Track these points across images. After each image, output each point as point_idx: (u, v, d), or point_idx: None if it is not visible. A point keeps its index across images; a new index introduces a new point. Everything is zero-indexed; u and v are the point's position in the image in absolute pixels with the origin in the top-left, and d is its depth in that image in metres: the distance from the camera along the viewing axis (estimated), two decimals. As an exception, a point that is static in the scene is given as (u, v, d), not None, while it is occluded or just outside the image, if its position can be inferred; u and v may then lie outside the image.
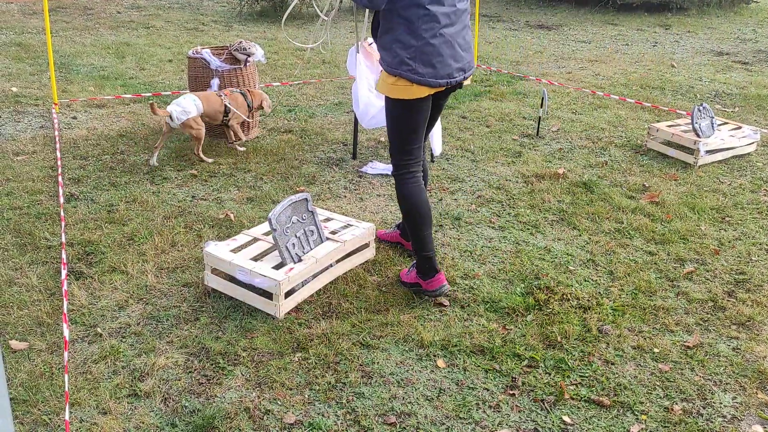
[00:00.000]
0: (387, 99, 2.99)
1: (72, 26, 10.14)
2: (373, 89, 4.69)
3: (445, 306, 3.12)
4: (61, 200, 4.02)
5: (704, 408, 2.52)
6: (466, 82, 3.01)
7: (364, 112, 4.66)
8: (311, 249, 3.22)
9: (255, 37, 9.79)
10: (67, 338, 2.71)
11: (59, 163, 4.58)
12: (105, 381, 2.58)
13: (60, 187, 4.17)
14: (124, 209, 4.01)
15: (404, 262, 3.49)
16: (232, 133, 5.01)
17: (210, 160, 4.79)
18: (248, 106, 4.97)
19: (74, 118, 5.70)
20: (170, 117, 4.55)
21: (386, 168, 4.72)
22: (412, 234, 3.11)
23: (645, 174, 4.76)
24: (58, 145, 4.90)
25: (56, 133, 5.18)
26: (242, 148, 5.00)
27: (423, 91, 2.88)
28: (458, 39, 2.89)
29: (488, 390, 2.59)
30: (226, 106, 4.78)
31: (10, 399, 2.47)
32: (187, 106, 4.58)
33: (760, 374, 2.70)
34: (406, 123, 3.00)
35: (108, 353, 2.73)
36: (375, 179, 4.62)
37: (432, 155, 5.00)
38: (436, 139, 4.87)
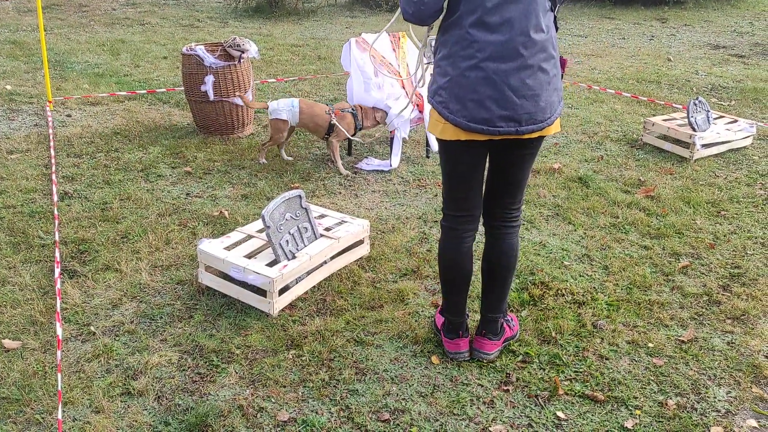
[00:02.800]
0: None
1: (66, 23, 10.10)
2: (370, 84, 4.69)
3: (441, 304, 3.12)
4: (55, 198, 4.00)
5: (698, 402, 2.52)
6: (548, 132, 2.41)
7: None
8: (305, 246, 3.21)
9: (250, 33, 9.77)
10: (60, 337, 2.70)
11: (53, 161, 4.56)
12: (98, 379, 2.58)
13: (54, 185, 4.15)
14: (118, 207, 4.00)
15: (398, 259, 3.49)
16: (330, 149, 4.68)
17: (264, 161, 4.68)
18: (356, 126, 4.62)
19: (68, 115, 5.68)
20: (268, 110, 4.53)
21: (381, 164, 4.71)
22: (443, 292, 2.72)
23: (641, 168, 4.75)
24: (52, 143, 4.88)
25: (50, 131, 5.16)
26: (346, 172, 4.61)
27: (455, 133, 2.38)
28: (511, 79, 2.26)
29: (482, 386, 2.59)
30: (330, 124, 4.54)
31: (3, 398, 2.46)
32: (282, 108, 4.48)
33: (754, 368, 2.70)
34: (446, 167, 2.52)
35: (101, 352, 2.72)
36: (370, 175, 4.61)
37: (428, 151, 4.99)
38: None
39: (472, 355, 2.74)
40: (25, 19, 10.26)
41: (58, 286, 3.10)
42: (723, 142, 5.01)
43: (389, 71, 4.69)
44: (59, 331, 2.73)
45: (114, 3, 12.14)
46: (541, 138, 2.45)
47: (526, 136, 2.37)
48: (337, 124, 4.51)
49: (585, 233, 3.80)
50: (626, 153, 5.05)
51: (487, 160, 2.53)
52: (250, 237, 3.32)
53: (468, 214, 2.57)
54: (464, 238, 2.60)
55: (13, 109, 5.82)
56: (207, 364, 2.68)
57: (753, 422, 2.42)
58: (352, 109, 4.63)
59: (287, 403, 2.48)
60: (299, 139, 5.23)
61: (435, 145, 4.88)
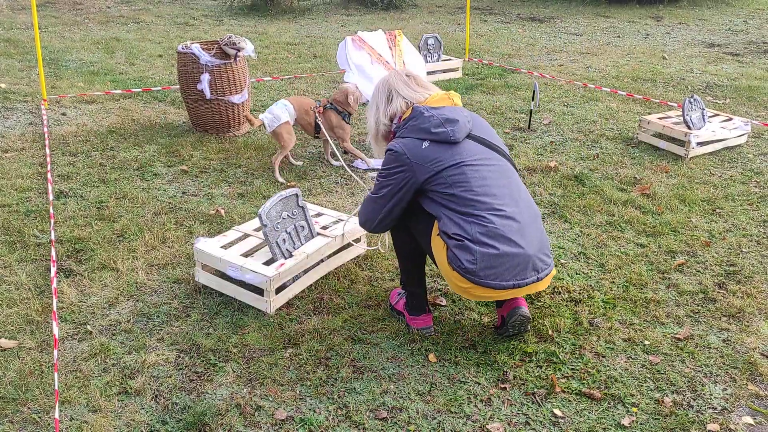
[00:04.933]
0: None
1: (61, 21, 10.06)
2: (366, 80, 4.69)
3: (440, 305, 3.12)
4: (51, 197, 3.99)
5: (694, 400, 2.53)
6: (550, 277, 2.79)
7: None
8: (302, 244, 3.21)
9: (246, 31, 9.75)
10: (56, 336, 2.70)
11: (48, 159, 4.55)
12: (95, 379, 2.57)
13: (49, 184, 4.14)
14: (114, 206, 3.99)
15: (395, 257, 3.48)
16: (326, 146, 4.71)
17: (282, 180, 4.42)
18: (344, 117, 4.57)
19: (63, 114, 5.66)
20: (264, 125, 4.39)
21: (378, 162, 4.71)
22: (401, 268, 2.92)
23: (636, 166, 4.77)
24: (47, 142, 4.87)
25: (45, 129, 5.15)
26: (337, 162, 4.68)
27: (483, 293, 2.63)
28: (525, 236, 2.62)
29: (479, 384, 2.59)
30: (317, 122, 4.52)
31: (0, 398, 2.46)
32: (278, 113, 4.39)
33: (750, 365, 2.71)
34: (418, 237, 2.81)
35: (98, 351, 2.72)
36: (366, 174, 4.60)
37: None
38: None
39: (516, 313, 2.75)
40: (19, 16, 10.22)
41: (54, 285, 3.09)
42: (718, 140, 5.03)
43: (385, 68, 4.70)
44: (56, 330, 2.72)
45: (109, 1, 12.10)
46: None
47: (542, 282, 2.65)
48: (319, 123, 4.49)
49: (581, 231, 3.81)
50: (622, 151, 5.06)
51: None
52: (246, 236, 3.32)
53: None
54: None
55: (8, 107, 5.80)
56: (204, 362, 2.68)
57: (749, 419, 2.44)
58: (330, 104, 4.57)
59: (285, 401, 2.48)
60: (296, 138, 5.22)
61: None
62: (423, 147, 2.61)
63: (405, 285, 2.92)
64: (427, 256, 2.82)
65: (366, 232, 2.97)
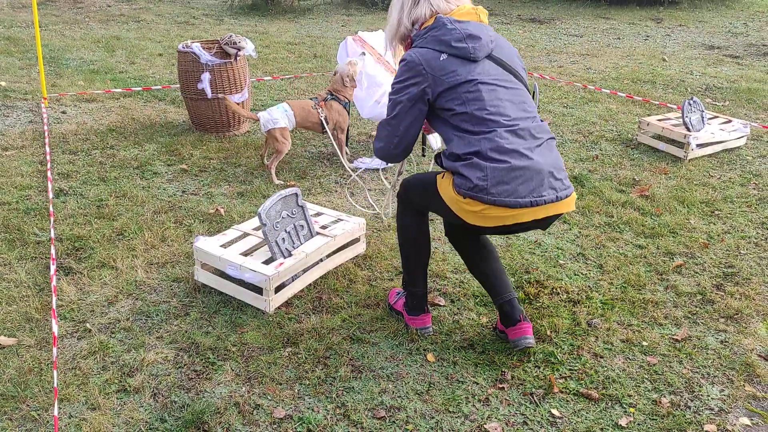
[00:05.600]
0: None
1: (61, 20, 10.07)
2: (374, 80, 4.69)
3: (438, 304, 3.12)
4: (50, 195, 3.99)
5: (692, 401, 2.53)
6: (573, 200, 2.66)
7: (361, 105, 4.69)
8: (301, 244, 3.21)
9: (246, 30, 9.75)
10: (56, 334, 2.70)
11: (48, 158, 4.55)
12: (94, 376, 2.58)
13: (49, 182, 4.14)
14: (114, 204, 3.99)
15: (395, 256, 3.50)
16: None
17: (279, 181, 4.39)
18: (345, 106, 4.57)
19: (63, 112, 5.66)
20: (260, 123, 4.39)
21: (377, 162, 4.72)
22: (404, 267, 2.89)
23: (635, 168, 4.77)
24: (47, 140, 4.87)
25: (45, 127, 5.15)
26: (350, 165, 4.65)
27: (498, 215, 2.51)
28: (537, 155, 2.51)
29: (478, 384, 2.60)
30: (323, 117, 4.50)
31: (-1, 395, 2.46)
32: (277, 116, 4.37)
33: (747, 367, 2.72)
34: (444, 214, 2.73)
35: (97, 349, 2.72)
36: (366, 174, 4.61)
37: (424, 150, 5.00)
38: (432, 133, 4.85)
39: (519, 344, 2.70)
40: (19, 15, 10.22)
41: (54, 283, 3.10)
42: (717, 142, 5.04)
43: (386, 69, 4.70)
44: (55, 328, 2.72)
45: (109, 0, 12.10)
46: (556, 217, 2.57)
47: (563, 202, 2.50)
48: (322, 119, 4.48)
49: (580, 232, 3.81)
50: (621, 152, 5.07)
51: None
52: (246, 235, 3.33)
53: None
54: (425, 214, 2.82)
55: (8, 105, 5.80)
56: (203, 361, 2.69)
57: (746, 420, 2.44)
58: (330, 94, 4.58)
59: (283, 400, 2.49)
60: (295, 138, 5.23)
61: (434, 144, 4.89)
62: (440, 59, 2.49)
63: (406, 285, 2.91)
64: (427, 250, 2.82)
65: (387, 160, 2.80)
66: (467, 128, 2.47)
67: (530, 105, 2.59)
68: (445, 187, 2.54)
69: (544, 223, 2.55)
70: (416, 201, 2.76)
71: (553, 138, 2.60)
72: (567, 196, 2.51)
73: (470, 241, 2.81)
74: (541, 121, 2.59)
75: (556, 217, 2.55)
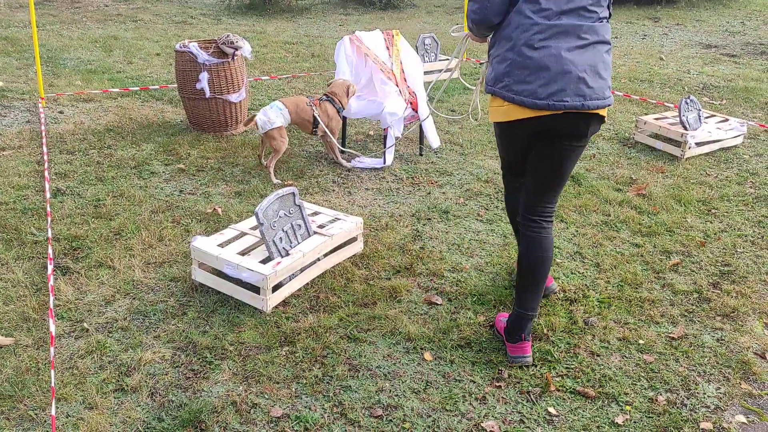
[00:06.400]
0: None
1: (59, 19, 10.06)
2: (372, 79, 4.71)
3: (435, 303, 3.13)
4: (48, 195, 3.99)
5: (688, 399, 2.54)
6: (604, 112, 2.46)
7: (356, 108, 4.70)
8: (298, 243, 3.22)
9: (244, 30, 9.75)
10: (53, 333, 2.70)
11: (46, 157, 4.55)
12: (91, 376, 2.58)
13: (46, 182, 4.14)
14: (111, 204, 3.99)
15: (392, 256, 3.50)
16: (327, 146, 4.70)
17: (277, 181, 4.38)
18: (339, 110, 4.58)
19: (61, 112, 5.66)
20: (257, 126, 4.37)
21: (375, 162, 4.72)
22: (516, 283, 2.76)
23: (632, 167, 4.78)
24: (44, 140, 4.87)
25: (43, 127, 5.15)
26: (347, 164, 4.68)
27: (520, 112, 2.42)
28: (573, 56, 2.36)
29: (475, 382, 2.60)
30: (315, 116, 4.49)
31: (-4, 395, 2.46)
32: (273, 116, 4.35)
33: (743, 365, 2.73)
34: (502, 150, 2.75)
35: (94, 348, 2.73)
36: (363, 173, 4.62)
37: (421, 149, 5.00)
38: (430, 132, 4.86)
39: (517, 362, 2.69)
40: (17, 14, 10.21)
41: (51, 282, 3.10)
42: (714, 141, 5.05)
43: (382, 69, 4.70)
44: (52, 328, 2.73)
45: (106, -1, 12.09)
46: (596, 129, 2.49)
47: (592, 111, 2.39)
48: (316, 116, 4.47)
49: (577, 231, 3.82)
50: (618, 151, 5.08)
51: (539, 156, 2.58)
52: (243, 234, 3.33)
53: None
54: (531, 227, 2.69)
55: (5, 105, 5.79)
56: (200, 360, 2.69)
57: (742, 418, 2.45)
58: (326, 96, 4.58)
59: (280, 399, 2.49)
60: (292, 137, 5.23)
61: (433, 143, 4.89)
62: None
63: (514, 303, 2.73)
64: (533, 275, 2.67)
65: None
66: (528, 14, 2.37)
67: (593, 7, 2.41)
68: (489, 104, 2.56)
69: (574, 128, 2.44)
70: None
71: (606, 43, 2.43)
72: (596, 107, 2.38)
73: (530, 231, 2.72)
74: (606, 22, 2.45)
75: (587, 122, 2.42)
